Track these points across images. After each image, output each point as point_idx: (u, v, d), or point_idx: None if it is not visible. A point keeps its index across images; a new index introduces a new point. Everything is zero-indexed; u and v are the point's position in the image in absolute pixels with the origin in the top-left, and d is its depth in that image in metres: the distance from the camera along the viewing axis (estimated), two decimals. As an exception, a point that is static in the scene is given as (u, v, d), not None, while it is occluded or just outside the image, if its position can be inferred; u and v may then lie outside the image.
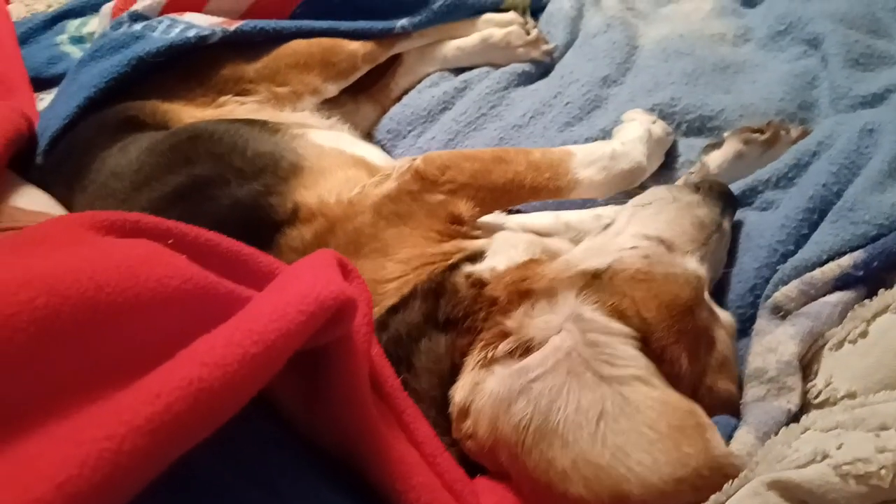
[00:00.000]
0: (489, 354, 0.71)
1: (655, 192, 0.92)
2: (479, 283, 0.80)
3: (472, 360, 0.73)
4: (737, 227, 0.92)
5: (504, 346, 0.71)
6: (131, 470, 0.38)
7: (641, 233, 0.83)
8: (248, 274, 0.70)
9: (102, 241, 0.63)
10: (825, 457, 0.53)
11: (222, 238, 0.70)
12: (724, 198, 0.89)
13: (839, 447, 0.53)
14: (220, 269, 0.66)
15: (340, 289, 0.56)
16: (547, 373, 0.66)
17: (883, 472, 0.51)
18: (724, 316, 0.80)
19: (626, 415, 0.63)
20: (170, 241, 0.67)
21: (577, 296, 0.72)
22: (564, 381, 0.65)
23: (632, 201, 0.93)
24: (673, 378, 0.70)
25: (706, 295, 0.79)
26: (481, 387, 0.69)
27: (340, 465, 0.60)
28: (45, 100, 1.44)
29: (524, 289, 0.76)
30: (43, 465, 0.37)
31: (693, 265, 0.80)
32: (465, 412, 0.70)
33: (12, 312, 0.47)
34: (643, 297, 0.73)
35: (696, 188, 0.91)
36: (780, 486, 0.54)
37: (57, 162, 1.15)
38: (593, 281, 0.75)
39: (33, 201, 1.04)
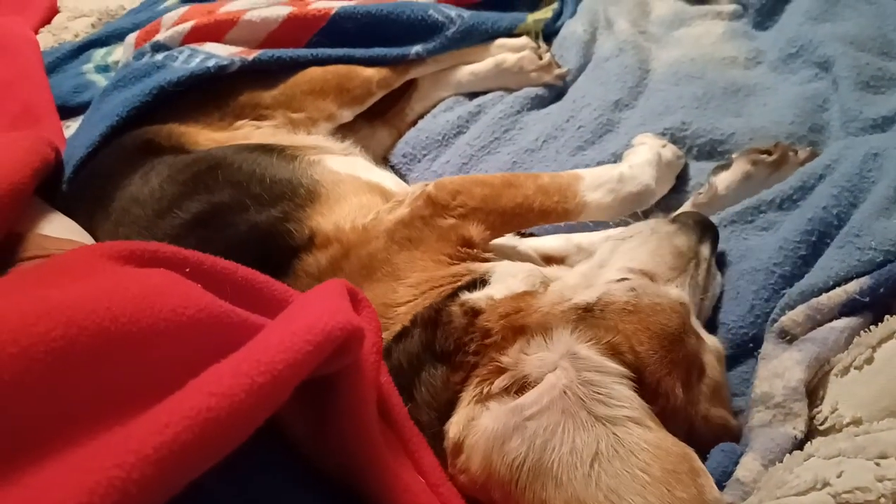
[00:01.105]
0: (485, 390, 0.72)
1: (635, 227, 0.95)
2: (472, 312, 0.81)
3: (467, 395, 0.73)
4: (735, 248, 0.94)
5: (500, 382, 0.71)
6: (140, 498, 0.40)
7: (626, 265, 0.85)
8: (262, 302, 0.72)
9: (120, 271, 0.65)
10: (825, 485, 0.54)
11: (238, 267, 0.72)
12: (701, 226, 0.92)
13: (839, 475, 0.54)
14: (235, 297, 0.68)
15: (348, 319, 0.57)
16: (542, 411, 0.67)
17: (882, 500, 0.51)
18: (711, 341, 0.81)
19: (619, 457, 0.63)
20: (186, 270, 0.69)
21: (572, 332, 0.73)
22: (559, 421, 0.66)
23: (614, 235, 0.95)
24: (669, 412, 0.70)
25: (693, 320, 0.80)
26: (476, 423, 0.70)
27: (346, 492, 0.61)
28: (71, 127, 1.48)
29: (519, 324, 0.77)
30: (55, 493, 0.38)
31: (676, 293, 0.82)
32: (459, 447, 0.70)
33: (30, 344, 0.49)
34: (634, 330, 0.74)
35: (673, 219, 0.94)
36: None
37: (81, 189, 1.18)
38: (586, 315, 0.76)
39: (60, 229, 1.06)
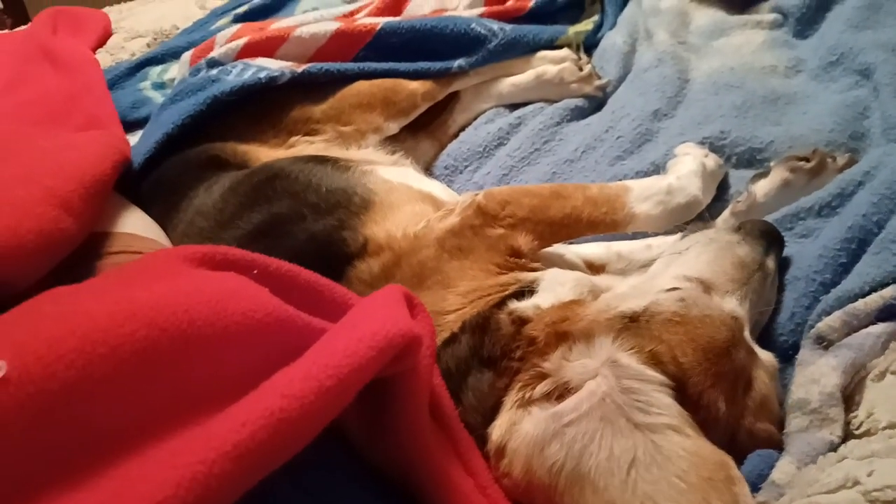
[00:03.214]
0: (527, 395, 0.74)
1: (692, 238, 0.94)
2: (520, 321, 0.83)
3: (510, 400, 0.75)
4: (783, 261, 0.93)
5: (541, 388, 0.73)
6: (220, 492, 0.44)
7: (681, 274, 0.85)
8: (323, 304, 0.76)
9: (196, 273, 0.70)
10: (856, 483, 0.56)
11: (301, 270, 0.76)
12: (767, 236, 0.91)
13: (870, 474, 0.56)
14: (298, 299, 0.73)
15: (409, 326, 0.61)
16: (581, 418, 0.68)
17: (914, 499, 0.53)
18: (766, 356, 0.81)
19: (657, 463, 0.64)
20: (254, 272, 0.73)
21: (614, 340, 0.74)
22: (598, 427, 0.67)
23: (668, 249, 0.95)
24: (710, 422, 0.71)
25: (746, 334, 0.80)
26: (517, 427, 0.72)
27: (399, 490, 0.64)
28: (131, 141, 1.55)
29: (563, 330, 0.79)
30: (143, 486, 0.42)
31: (730, 306, 0.82)
32: (501, 451, 0.72)
33: (118, 344, 0.54)
34: (679, 341, 0.74)
35: (738, 228, 0.93)
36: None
37: (148, 199, 1.24)
38: (630, 324, 0.77)
39: (143, 226, 1.12)
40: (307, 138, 1.33)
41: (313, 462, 0.61)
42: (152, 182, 1.28)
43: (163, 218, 1.18)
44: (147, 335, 0.55)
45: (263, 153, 1.26)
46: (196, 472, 0.44)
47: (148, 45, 1.93)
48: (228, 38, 1.53)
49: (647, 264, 1.05)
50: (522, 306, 0.86)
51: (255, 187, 1.11)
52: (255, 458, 0.47)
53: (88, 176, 1.03)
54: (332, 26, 1.47)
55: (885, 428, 0.67)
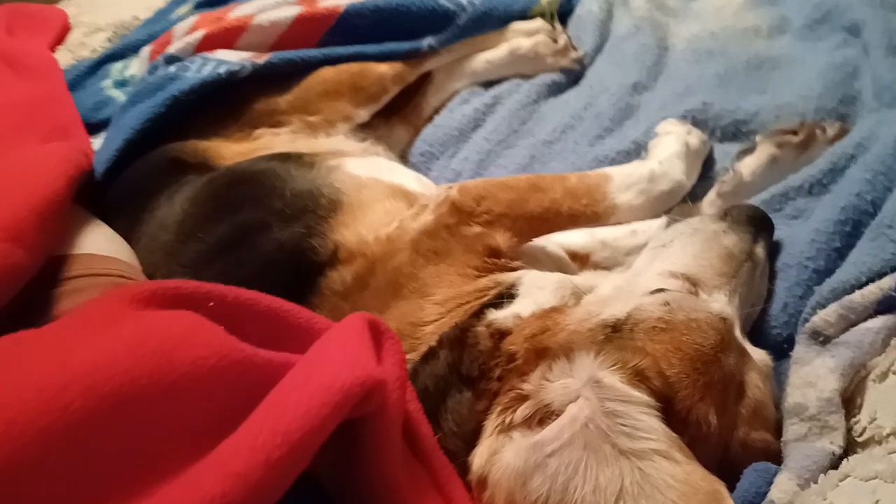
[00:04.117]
0: (507, 420, 0.70)
1: (676, 229, 0.89)
2: (498, 334, 0.79)
3: (490, 425, 0.71)
4: (774, 246, 0.88)
5: (522, 412, 0.69)
6: None
7: (665, 270, 0.81)
8: (287, 332, 0.72)
9: (142, 319, 0.66)
10: (861, 518, 0.52)
11: (261, 297, 0.72)
12: (755, 222, 0.86)
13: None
14: (259, 331, 0.69)
15: (368, 373, 0.57)
16: (564, 447, 0.64)
17: (921, 531, 0.49)
18: (758, 356, 0.77)
19: (645, 494, 0.61)
20: (210, 304, 0.69)
21: (596, 356, 0.70)
22: (581, 456, 0.63)
23: (651, 242, 0.90)
24: (700, 438, 0.67)
25: (736, 333, 0.76)
26: (498, 457, 0.68)
27: None
28: (95, 144, 1.49)
29: (543, 346, 0.74)
30: None
31: (718, 305, 0.77)
32: (483, 483, 0.69)
33: (52, 420, 0.50)
34: (665, 352, 0.70)
35: (723, 215, 0.88)
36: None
37: (111, 209, 1.19)
38: (613, 335, 0.73)
39: (104, 243, 1.07)
40: (273, 130, 1.28)
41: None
42: (115, 190, 1.22)
43: (127, 230, 1.13)
44: (83, 406, 0.51)
45: (226, 149, 1.20)
46: None
47: (109, 40, 1.84)
48: (186, 30, 1.46)
49: (632, 251, 1.01)
50: (501, 317, 0.82)
51: (216, 196, 1.06)
52: None
53: (41, 200, 0.98)
54: (293, 11, 1.40)
55: (888, 435, 0.63)
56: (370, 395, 0.56)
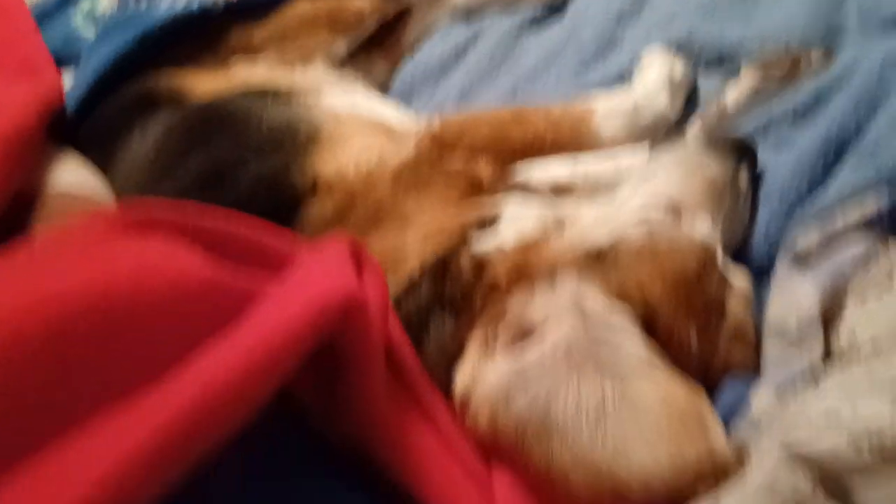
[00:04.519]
0: (489, 342, 0.70)
1: (659, 159, 0.89)
2: (481, 265, 0.79)
3: (473, 347, 0.72)
4: (756, 176, 0.88)
5: (504, 333, 0.70)
6: (139, 489, 0.41)
7: (648, 202, 0.81)
8: (267, 257, 0.71)
9: (114, 246, 0.64)
10: (839, 421, 0.52)
11: (240, 221, 0.71)
12: (739, 151, 0.86)
13: (854, 411, 0.52)
14: (237, 255, 0.68)
15: (349, 291, 0.56)
16: (546, 366, 0.65)
17: (900, 438, 0.50)
18: (739, 280, 0.78)
19: (626, 411, 0.62)
20: (186, 231, 0.68)
21: (579, 279, 0.70)
22: (564, 376, 0.64)
23: (636, 173, 0.90)
24: (682, 357, 0.68)
25: (718, 260, 0.77)
26: (481, 378, 0.69)
27: (359, 463, 0.61)
28: (66, 80, 1.45)
29: (525, 271, 0.75)
30: (53, 488, 0.38)
31: (701, 232, 0.78)
32: (466, 403, 0.70)
33: (27, 333, 0.49)
34: (648, 277, 0.71)
35: (707, 145, 0.87)
36: (791, 452, 0.53)
37: (84, 145, 1.15)
38: (596, 262, 0.73)
39: (79, 182, 1.04)
40: (249, 64, 1.25)
41: (260, 435, 0.58)
42: (88, 128, 1.20)
43: (100, 168, 1.11)
44: (60, 321, 0.51)
45: (201, 84, 1.17)
46: (106, 474, 0.40)
47: (76, -26, 1.79)
48: (156, -37, 1.41)
49: (615, 181, 1.00)
50: (483, 248, 0.82)
51: (192, 130, 1.04)
52: (176, 448, 0.43)
53: (11, 133, 0.95)
54: (266, -57, 1.35)
55: (867, 351, 0.64)
56: (351, 313, 0.56)
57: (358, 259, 0.67)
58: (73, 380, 0.50)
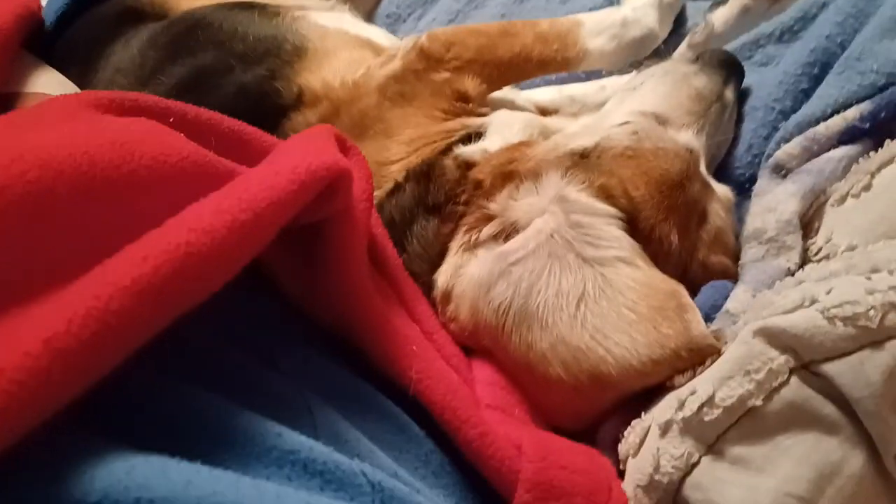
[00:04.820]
0: (472, 238, 0.71)
1: (647, 71, 0.89)
2: (465, 165, 0.79)
3: (455, 244, 0.72)
4: (742, 92, 0.88)
5: (487, 230, 0.70)
6: (119, 329, 0.39)
7: (635, 109, 0.81)
8: (250, 153, 0.70)
9: (100, 118, 0.63)
10: (813, 301, 0.53)
11: (223, 117, 0.70)
12: (726, 66, 0.86)
13: (828, 292, 0.53)
14: (220, 148, 0.67)
15: (334, 160, 0.56)
16: (528, 255, 0.65)
17: (871, 312, 0.51)
18: (721, 189, 0.79)
19: (606, 296, 0.62)
20: (170, 120, 0.67)
21: (563, 177, 0.70)
22: (545, 264, 0.64)
23: (622, 85, 0.90)
24: (662, 256, 0.69)
25: (701, 167, 0.77)
26: (463, 270, 0.69)
27: (339, 340, 0.61)
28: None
29: (510, 171, 0.75)
30: (32, 324, 0.38)
31: (685, 138, 0.78)
32: (447, 296, 0.70)
33: (4, 185, 0.48)
34: (631, 175, 0.71)
35: (695, 59, 0.88)
36: (766, 333, 0.54)
37: (64, 59, 1.14)
38: (580, 161, 0.73)
39: (56, 85, 1.03)
40: None
41: (242, 308, 0.58)
42: (67, 41, 1.18)
43: (80, 78, 1.09)
44: (40, 176, 0.49)
45: (186, 2, 1.15)
46: (90, 307, 0.39)
47: None
48: None
49: (601, 106, 1.00)
50: (469, 150, 0.82)
51: (176, 38, 1.02)
52: (160, 293, 0.42)
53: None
54: None
55: (843, 252, 0.65)
56: (337, 185, 0.55)
57: (343, 146, 0.67)
58: (52, 234, 0.49)
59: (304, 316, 0.62)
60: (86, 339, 0.38)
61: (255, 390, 0.51)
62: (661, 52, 1.01)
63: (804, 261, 0.70)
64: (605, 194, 0.69)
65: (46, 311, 0.41)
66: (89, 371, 0.39)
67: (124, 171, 0.54)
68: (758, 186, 0.77)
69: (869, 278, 0.53)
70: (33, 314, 0.42)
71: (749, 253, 0.72)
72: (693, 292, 0.70)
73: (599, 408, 0.65)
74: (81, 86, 1.08)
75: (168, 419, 0.45)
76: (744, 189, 0.81)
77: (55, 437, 0.38)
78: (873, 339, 0.51)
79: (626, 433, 0.61)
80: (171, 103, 0.69)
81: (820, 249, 0.68)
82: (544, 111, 1.05)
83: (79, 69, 1.11)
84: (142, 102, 0.68)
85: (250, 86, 0.93)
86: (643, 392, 0.62)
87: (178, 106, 0.69)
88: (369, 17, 1.33)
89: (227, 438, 0.44)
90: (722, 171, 0.85)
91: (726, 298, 0.69)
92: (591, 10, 1.09)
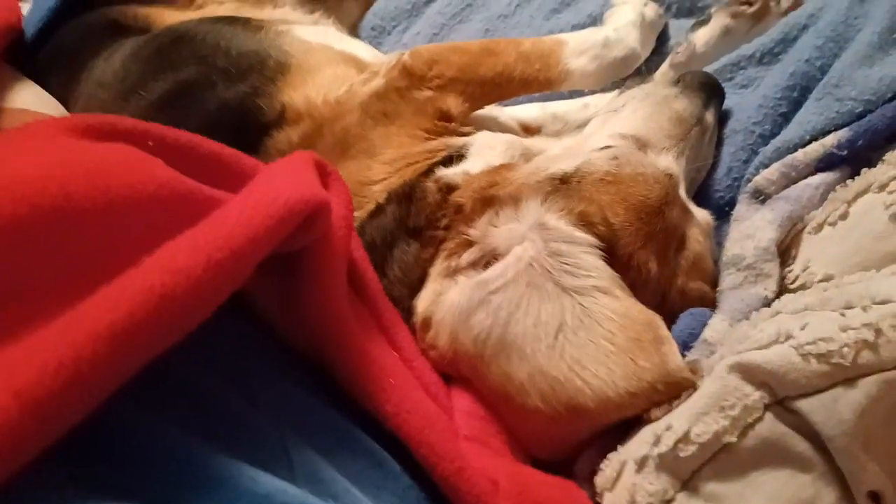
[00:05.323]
0: (452, 264, 0.71)
1: (628, 94, 0.89)
2: (447, 188, 0.78)
3: (435, 270, 0.72)
4: (723, 114, 0.89)
5: (467, 256, 0.70)
6: (92, 377, 0.39)
7: (615, 132, 0.81)
8: (229, 177, 0.69)
9: (77, 144, 0.63)
10: (788, 337, 0.54)
11: (202, 140, 0.69)
12: (707, 88, 0.86)
13: (803, 328, 0.54)
14: (199, 172, 0.66)
15: (313, 193, 0.55)
16: (507, 284, 0.65)
17: (845, 349, 0.51)
18: (700, 214, 0.79)
19: (584, 326, 0.62)
20: (149, 144, 0.66)
21: (543, 203, 0.70)
22: (524, 293, 0.64)
23: (604, 107, 0.90)
24: (640, 283, 0.69)
25: (681, 192, 0.77)
26: (443, 297, 0.69)
27: (318, 370, 0.60)
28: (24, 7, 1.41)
29: (490, 195, 0.74)
30: (2, 374, 0.37)
31: (665, 163, 0.78)
32: (427, 323, 0.70)
33: None
34: (610, 201, 0.71)
35: (676, 81, 0.88)
36: (741, 369, 0.55)
37: (46, 71, 1.13)
38: (560, 186, 0.73)
39: (36, 100, 1.02)
40: (217, 2, 1.22)
41: (220, 338, 0.57)
42: (49, 52, 1.17)
43: (62, 90, 1.09)
44: (13, 212, 0.49)
45: (168, 16, 1.15)
46: (62, 356, 0.39)
47: None
48: None
49: (583, 124, 1.00)
50: (450, 173, 0.82)
51: (159, 52, 1.01)
52: (134, 338, 0.41)
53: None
54: None
55: (820, 281, 0.65)
56: (315, 218, 0.55)
57: (323, 172, 0.67)
58: (23, 272, 0.49)
59: (283, 344, 0.62)
60: (58, 389, 0.37)
61: (233, 427, 0.51)
62: (643, 70, 1.01)
63: (781, 289, 0.70)
64: (585, 221, 0.69)
65: (18, 358, 0.40)
66: (63, 419, 0.39)
67: (100, 204, 0.54)
68: (737, 211, 0.77)
69: (843, 314, 0.54)
70: (4, 361, 0.41)
71: (727, 280, 0.72)
72: (671, 319, 0.71)
73: (577, 438, 0.65)
74: (63, 98, 1.08)
75: (142, 461, 0.45)
76: (723, 212, 0.82)
77: (26, 481, 0.38)
78: (846, 377, 0.52)
79: (602, 466, 0.61)
80: (150, 126, 0.68)
81: (797, 278, 0.69)
82: (527, 128, 1.05)
83: (60, 80, 1.10)
84: (120, 127, 0.67)
85: (232, 103, 0.93)
86: (620, 423, 0.63)
87: (157, 129, 0.68)
88: (354, 30, 1.32)
89: (199, 482, 0.44)
90: (701, 193, 0.85)
91: (704, 326, 0.69)
92: (574, 27, 1.10)
